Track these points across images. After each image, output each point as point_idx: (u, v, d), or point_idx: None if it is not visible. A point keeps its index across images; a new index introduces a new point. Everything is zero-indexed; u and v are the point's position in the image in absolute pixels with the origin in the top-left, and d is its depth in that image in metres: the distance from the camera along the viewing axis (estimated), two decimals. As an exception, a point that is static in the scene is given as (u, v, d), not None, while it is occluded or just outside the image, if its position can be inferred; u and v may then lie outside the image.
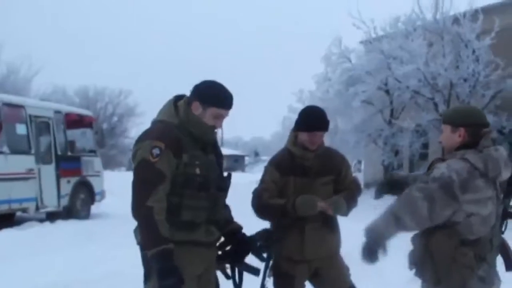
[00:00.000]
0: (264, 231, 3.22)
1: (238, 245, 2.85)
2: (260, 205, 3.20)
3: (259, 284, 3.22)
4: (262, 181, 3.28)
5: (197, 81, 2.70)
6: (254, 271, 2.92)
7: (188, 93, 2.71)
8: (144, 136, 2.56)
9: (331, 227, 3.28)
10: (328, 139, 20.89)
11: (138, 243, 2.58)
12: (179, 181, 2.52)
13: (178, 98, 2.71)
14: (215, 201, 2.67)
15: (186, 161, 2.53)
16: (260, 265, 3.10)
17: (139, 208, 2.43)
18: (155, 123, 2.66)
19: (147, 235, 2.41)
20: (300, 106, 16.94)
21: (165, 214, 2.44)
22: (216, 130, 2.70)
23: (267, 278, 3.22)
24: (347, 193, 3.22)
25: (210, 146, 2.71)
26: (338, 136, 19.33)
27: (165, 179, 2.45)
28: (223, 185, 2.74)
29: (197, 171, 2.56)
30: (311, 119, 3.23)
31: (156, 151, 2.45)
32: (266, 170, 3.31)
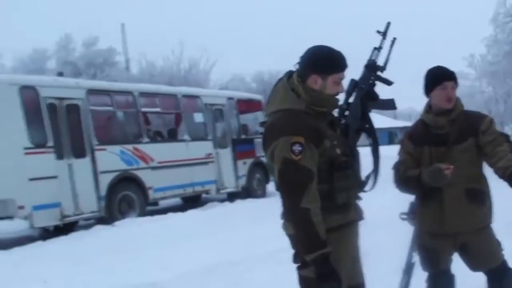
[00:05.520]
0: (410, 204, 3.17)
1: None
2: (397, 179, 3.08)
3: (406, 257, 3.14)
4: (399, 154, 3.16)
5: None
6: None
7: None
8: (277, 132, 2.35)
9: (477, 197, 2.99)
10: (502, 105, 19.15)
11: (288, 235, 2.50)
12: (324, 167, 2.39)
13: (289, 77, 2.51)
14: (359, 175, 2.57)
15: (328, 146, 2.39)
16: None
17: (294, 211, 2.31)
18: (280, 113, 2.43)
19: (306, 239, 2.30)
20: (471, 72, 15.77)
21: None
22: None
23: (413, 253, 3.14)
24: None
25: (335, 120, 2.57)
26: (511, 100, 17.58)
27: (313, 175, 2.31)
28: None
29: (338, 151, 2.43)
30: (437, 72, 3.05)
31: (297, 147, 2.27)
32: (401, 142, 3.19)
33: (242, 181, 12.84)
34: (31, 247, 7.88)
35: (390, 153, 3.69)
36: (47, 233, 9.43)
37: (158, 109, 11.89)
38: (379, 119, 48.24)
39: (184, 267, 5.88)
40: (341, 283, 2.32)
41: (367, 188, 2.59)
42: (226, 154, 12.65)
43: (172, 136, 12.25)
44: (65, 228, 9.28)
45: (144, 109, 11.15)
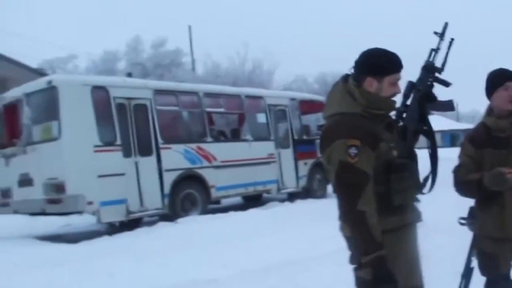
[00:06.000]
0: (469, 209, 3.11)
1: None
2: (457, 183, 3.04)
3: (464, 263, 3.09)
4: (459, 157, 3.11)
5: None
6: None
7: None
8: (334, 135, 2.37)
9: None
10: None
11: (345, 237, 2.52)
12: (381, 170, 2.40)
13: (345, 81, 2.51)
14: (417, 177, 2.55)
15: (384, 149, 2.39)
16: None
17: (350, 213, 2.33)
18: (337, 117, 2.44)
19: (362, 240, 2.32)
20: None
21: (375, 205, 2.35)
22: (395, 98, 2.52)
23: (472, 258, 3.08)
24: None
25: (393, 122, 2.56)
26: None
27: (369, 178, 2.32)
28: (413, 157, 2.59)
29: (394, 153, 2.42)
30: (499, 72, 3.00)
31: (353, 150, 2.29)
32: (462, 145, 3.14)
33: (303, 182, 12.86)
34: (98, 241, 8.23)
35: (452, 156, 3.62)
36: (113, 228, 9.82)
37: (222, 109, 12.09)
38: (442, 121, 47.01)
39: (244, 265, 5.98)
40: (397, 285, 2.31)
41: (425, 190, 2.57)
42: (287, 154, 12.70)
43: (235, 136, 12.43)
44: (130, 224, 9.59)
45: (208, 109, 11.36)
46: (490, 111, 3.06)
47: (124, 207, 9.20)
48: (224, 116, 15.10)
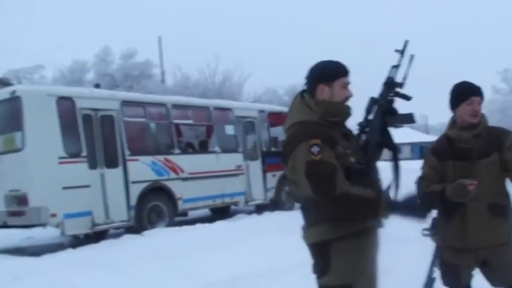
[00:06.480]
0: (432, 220, 3.15)
1: None
2: (420, 194, 3.03)
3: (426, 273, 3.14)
4: (422, 168, 3.17)
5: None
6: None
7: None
8: (294, 142, 2.46)
9: (501, 212, 2.97)
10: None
11: (308, 244, 2.55)
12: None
13: (302, 95, 2.64)
14: (377, 185, 2.59)
15: (340, 152, 2.45)
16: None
17: (333, 200, 2.36)
18: (296, 126, 2.54)
19: (361, 206, 2.41)
20: (504, 87, 15.57)
21: None
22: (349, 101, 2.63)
23: (434, 268, 3.12)
24: None
25: (349, 132, 2.65)
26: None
27: (337, 167, 2.37)
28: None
29: (351, 159, 2.48)
30: (464, 87, 3.07)
31: (315, 148, 2.36)
32: (425, 157, 3.21)
33: (271, 194, 12.88)
34: (61, 254, 8.06)
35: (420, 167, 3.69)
36: (78, 241, 9.64)
37: (190, 121, 12.09)
38: (411, 134, 47.76)
39: (210, 277, 5.93)
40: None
41: None
42: (255, 166, 12.72)
43: (203, 147, 12.41)
44: (95, 237, 9.44)
45: (176, 121, 11.34)
46: (453, 123, 3.12)
47: (89, 219, 9.06)
48: (192, 128, 15.03)
